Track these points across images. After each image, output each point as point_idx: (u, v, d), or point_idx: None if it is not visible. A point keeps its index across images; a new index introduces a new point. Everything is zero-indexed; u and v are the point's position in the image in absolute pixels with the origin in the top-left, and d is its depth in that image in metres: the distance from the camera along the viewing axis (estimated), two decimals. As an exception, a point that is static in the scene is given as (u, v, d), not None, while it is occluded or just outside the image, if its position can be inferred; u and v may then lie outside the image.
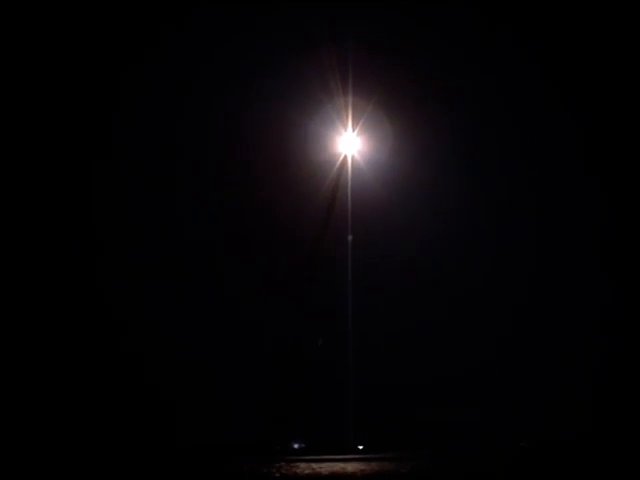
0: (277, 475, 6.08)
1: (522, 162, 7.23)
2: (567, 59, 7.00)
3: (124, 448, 6.85)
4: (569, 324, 7.31)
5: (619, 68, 6.87)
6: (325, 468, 6.57)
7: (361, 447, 7.36)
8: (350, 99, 6.94)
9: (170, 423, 6.91)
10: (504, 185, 7.27)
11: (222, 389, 6.98)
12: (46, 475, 6.54)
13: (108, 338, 6.98)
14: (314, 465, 6.67)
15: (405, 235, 7.25)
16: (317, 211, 7.12)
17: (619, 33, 6.83)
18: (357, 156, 7.01)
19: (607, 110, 6.99)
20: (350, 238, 6.96)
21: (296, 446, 7.32)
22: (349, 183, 7.02)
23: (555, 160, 7.24)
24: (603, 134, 7.03)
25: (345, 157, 7.00)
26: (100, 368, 6.93)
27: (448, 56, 7.00)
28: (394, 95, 7.00)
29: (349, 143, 6.91)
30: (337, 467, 6.64)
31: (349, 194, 7.02)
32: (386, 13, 6.92)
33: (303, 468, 6.55)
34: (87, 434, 6.87)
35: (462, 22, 6.94)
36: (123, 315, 6.98)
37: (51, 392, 6.90)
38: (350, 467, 6.63)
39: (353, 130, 6.92)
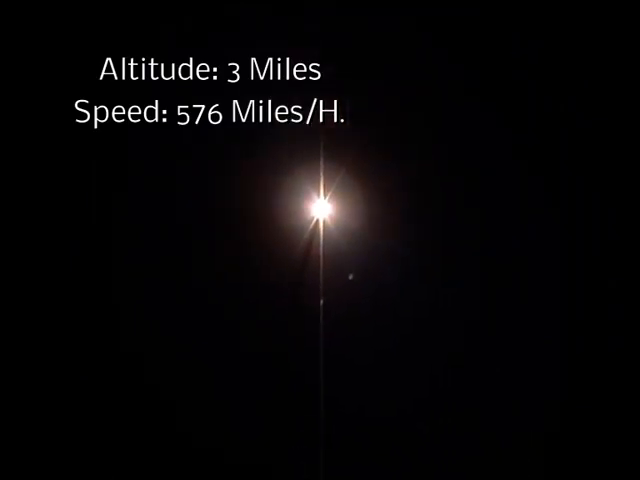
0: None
1: (509, 224, 7.27)
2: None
3: (124, 448, 6.79)
4: (569, 324, 7.16)
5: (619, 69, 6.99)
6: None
7: None
8: (322, 167, 7.25)
9: (170, 423, 6.80)
10: (488, 252, 7.32)
11: (222, 389, 6.88)
12: (46, 475, 6.56)
13: (108, 338, 6.96)
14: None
15: (378, 296, 7.40)
16: (289, 272, 7.33)
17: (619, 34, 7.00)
18: (328, 220, 7.27)
19: (605, 111, 7.04)
20: (322, 302, 7.12)
21: None
22: (321, 246, 7.26)
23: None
24: (601, 136, 7.05)
25: (317, 221, 7.29)
26: (100, 368, 6.89)
27: (424, 126, 7.23)
28: (365, 162, 7.25)
29: (320, 208, 7.20)
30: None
31: (321, 256, 7.25)
32: (364, 82, 7.20)
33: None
34: (87, 434, 6.82)
35: (448, 90, 7.17)
36: (123, 315, 6.98)
37: (50, 392, 6.85)
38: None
39: (325, 196, 7.22)
